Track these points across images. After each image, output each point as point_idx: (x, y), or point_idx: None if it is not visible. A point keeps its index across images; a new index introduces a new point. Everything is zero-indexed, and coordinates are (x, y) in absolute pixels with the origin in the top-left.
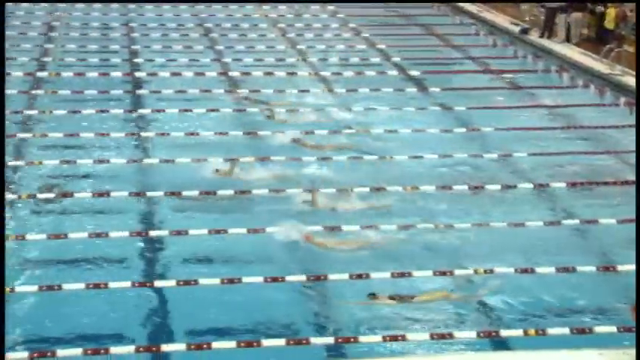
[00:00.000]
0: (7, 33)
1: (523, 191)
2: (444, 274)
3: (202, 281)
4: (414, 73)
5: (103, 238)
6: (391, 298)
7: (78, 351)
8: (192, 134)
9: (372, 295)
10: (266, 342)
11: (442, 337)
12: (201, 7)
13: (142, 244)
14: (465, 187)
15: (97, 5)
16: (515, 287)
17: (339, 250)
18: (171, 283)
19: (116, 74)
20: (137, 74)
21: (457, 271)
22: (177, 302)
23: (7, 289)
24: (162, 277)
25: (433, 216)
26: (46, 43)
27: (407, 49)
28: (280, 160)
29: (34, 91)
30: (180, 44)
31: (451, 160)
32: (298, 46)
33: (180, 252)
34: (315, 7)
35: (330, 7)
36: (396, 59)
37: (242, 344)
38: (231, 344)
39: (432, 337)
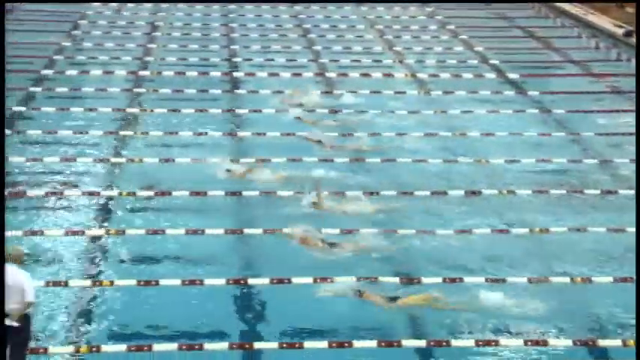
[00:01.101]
0: (114, 33)
1: (623, 198)
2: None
3: (295, 280)
4: (513, 75)
5: (199, 235)
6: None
7: (173, 346)
8: (288, 134)
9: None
10: (358, 343)
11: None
12: (299, 7)
13: (236, 242)
14: (564, 191)
15: (199, 6)
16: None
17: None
18: (265, 281)
19: (215, 74)
20: (235, 74)
21: (554, 278)
22: (270, 300)
23: (107, 282)
24: (256, 274)
25: (528, 220)
26: (149, 42)
27: (506, 52)
28: (375, 163)
29: (136, 90)
30: (279, 44)
31: (549, 165)
32: (395, 48)
33: (274, 250)
34: (413, 8)
35: (429, 8)
36: (495, 62)
37: (334, 344)
38: (322, 344)
39: None
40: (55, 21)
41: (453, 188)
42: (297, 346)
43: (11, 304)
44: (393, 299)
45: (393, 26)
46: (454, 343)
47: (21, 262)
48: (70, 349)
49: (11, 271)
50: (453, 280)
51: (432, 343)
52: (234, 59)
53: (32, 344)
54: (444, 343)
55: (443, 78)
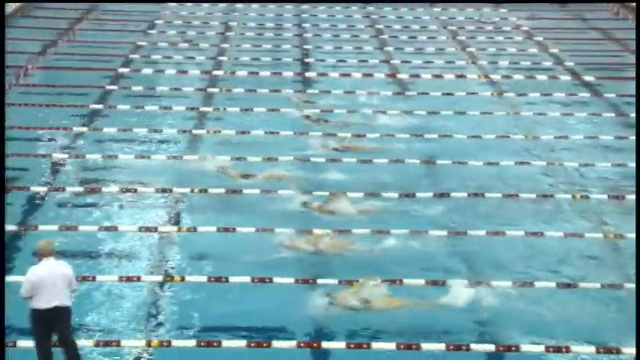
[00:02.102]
0: (189, 33)
1: None
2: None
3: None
4: (588, 78)
5: (269, 233)
6: None
7: (242, 343)
8: (358, 135)
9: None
10: (425, 345)
11: None
12: (372, 8)
13: (305, 241)
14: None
15: (272, 6)
16: None
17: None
18: (333, 281)
19: (287, 74)
20: (307, 74)
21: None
22: (339, 299)
23: (178, 278)
24: (326, 274)
25: (602, 225)
26: (223, 42)
27: (581, 54)
28: (446, 165)
29: (209, 89)
30: (351, 45)
31: (625, 169)
32: (468, 49)
33: (344, 253)
34: (487, 9)
35: (503, 9)
36: (570, 63)
37: (402, 346)
38: (390, 346)
39: None
40: (133, 20)
41: (525, 191)
42: (364, 346)
43: (67, 293)
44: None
45: (466, 27)
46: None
47: (53, 254)
48: (142, 342)
49: (56, 263)
50: (524, 284)
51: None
52: (307, 59)
53: (107, 337)
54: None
55: (516, 79)
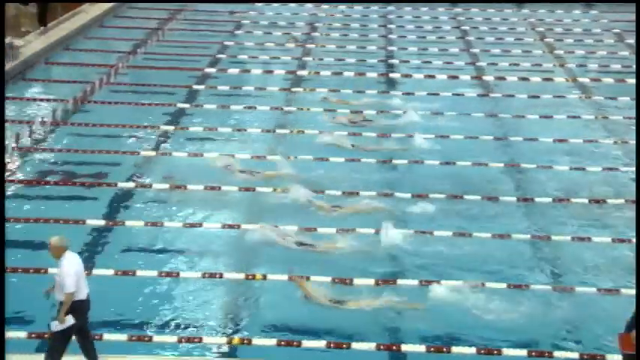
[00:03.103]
0: (274, 33)
1: None
2: None
3: (445, 282)
4: None
5: (351, 234)
6: None
7: (321, 343)
8: (441, 137)
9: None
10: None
11: None
12: (459, 9)
13: (378, 242)
14: None
15: (358, 7)
16: None
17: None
18: (414, 282)
19: (371, 75)
20: (391, 75)
21: None
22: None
23: (259, 276)
24: (403, 275)
25: None
26: (308, 42)
27: None
28: (531, 168)
29: (293, 89)
30: (436, 47)
31: None
32: (556, 51)
33: (424, 252)
34: (577, 11)
35: (594, 11)
36: None
37: (482, 351)
38: (471, 350)
39: None
40: (220, 21)
41: (614, 196)
42: (444, 350)
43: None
44: None
45: (554, 29)
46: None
47: (66, 248)
48: (223, 339)
49: (74, 255)
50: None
51: None
52: (391, 60)
53: (187, 333)
54: None
55: (605, 83)
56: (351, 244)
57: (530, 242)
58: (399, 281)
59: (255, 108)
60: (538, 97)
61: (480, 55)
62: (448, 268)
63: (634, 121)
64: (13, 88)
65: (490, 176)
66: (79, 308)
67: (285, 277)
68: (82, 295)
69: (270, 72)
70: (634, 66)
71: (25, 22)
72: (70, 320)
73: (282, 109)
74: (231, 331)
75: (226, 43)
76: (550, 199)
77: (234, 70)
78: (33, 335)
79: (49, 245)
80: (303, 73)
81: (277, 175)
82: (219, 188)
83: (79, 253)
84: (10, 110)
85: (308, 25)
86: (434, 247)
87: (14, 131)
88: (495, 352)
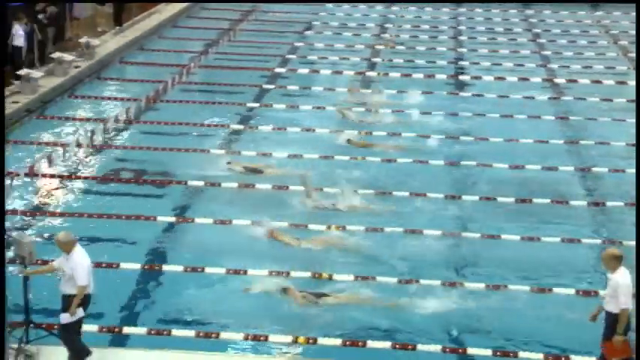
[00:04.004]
0: (344, 34)
1: None
2: None
3: (512, 287)
4: None
5: (456, 238)
6: None
7: (387, 344)
8: (510, 140)
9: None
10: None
11: None
12: (531, 11)
13: (455, 244)
14: None
15: (429, 8)
16: None
17: None
18: (480, 285)
19: (440, 76)
20: (461, 77)
21: None
22: (482, 305)
23: (326, 275)
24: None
25: None
26: (377, 43)
27: None
28: (602, 172)
29: (362, 90)
30: (507, 49)
31: None
32: (630, 54)
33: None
34: None
35: None
36: None
37: (550, 358)
38: (538, 356)
39: None
40: (290, 21)
41: None
42: (510, 355)
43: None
44: None
45: (629, 31)
46: None
47: (76, 242)
48: (288, 338)
49: (84, 251)
50: None
51: None
52: (461, 62)
53: (255, 331)
54: None
55: None
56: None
57: (600, 247)
58: (466, 284)
59: (324, 108)
60: (611, 100)
61: (551, 57)
62: (513, 272)
63: None
64: (89, 87)
65: (560, 179)
66: (87, 301)
67: (351, 277)
68: (90, 289)
69: (340, 72)
70: None
71: (101, 22)
72: (80, 313)
73: (350, 109)
74: (298, 330)
75: (296, 43)
76: (622, 203)
77: (303, 70)
78: (104, 329)
79: (57, 241)
80: (372, 74)
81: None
82: (287, 188)
83: (151, 250)
84: (85, 109)
85: (377, 27)
86: (501, 250)
87: (89, 129)
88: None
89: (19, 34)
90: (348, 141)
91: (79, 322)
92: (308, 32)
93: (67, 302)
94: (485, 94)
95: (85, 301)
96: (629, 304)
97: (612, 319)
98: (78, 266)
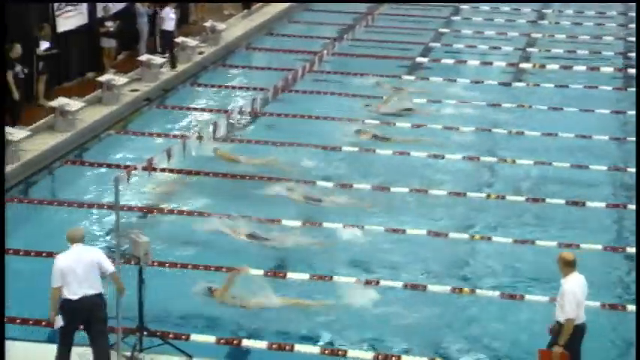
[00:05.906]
0: (496, 20)
1: None
2: None
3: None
4: None
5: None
6: None
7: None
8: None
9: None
10: None
11: None
12: None
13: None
14: None
15: None
16: None
17: None
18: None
19: (606, 70)
20: (630, 70)
21: None
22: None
23: (467, 290)
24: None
25: None
26: (534, 31)
27: None
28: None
29: (514, 84)
30: None
31: None
32: None
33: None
34: None
35: None
36: None
37: None
38: None
39: None
40: (436, 6)
41: None
42: None
43: (97, 281)
44: None
45: None
46: None
47: (82, 241)
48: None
49: (84, 249)
50: None
51: None
52: (630, 54)
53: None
54: None
55: None
56: None
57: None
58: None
59: (470, 103)
60: None
61: None
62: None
63: None
64: (213, 75)
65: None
66: (67, 309)
67: (491, 293)
68: (70, 295)
69: (489, 63)
70: None
71: (228, 6)
72: (58, 322)
73: (500, 105)
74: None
75: (441, 30)
76: None
77: (448, 61)
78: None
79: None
80: (527, 65)
81: None
82: (426, 191)
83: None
84: (210, 98)
85: (534, 12)
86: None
87: (212, 120)
88: None
89: (169, 18)
90: None
91: (64, 330)
92: (455, 17)
93: None
94: None
95: (70, 309)
96: (573, 314)
97: (558, 329)
98: None
